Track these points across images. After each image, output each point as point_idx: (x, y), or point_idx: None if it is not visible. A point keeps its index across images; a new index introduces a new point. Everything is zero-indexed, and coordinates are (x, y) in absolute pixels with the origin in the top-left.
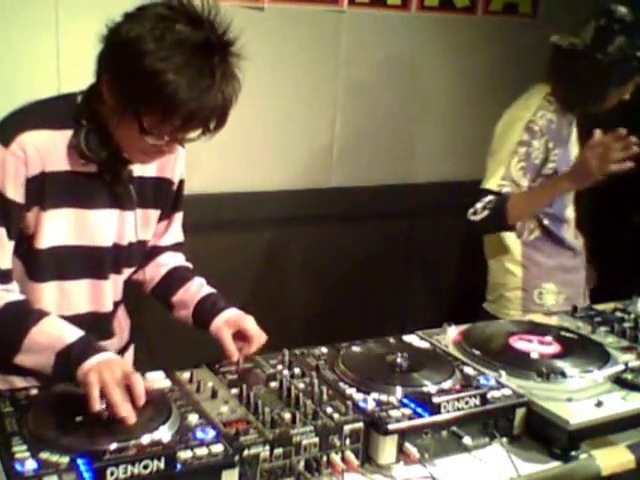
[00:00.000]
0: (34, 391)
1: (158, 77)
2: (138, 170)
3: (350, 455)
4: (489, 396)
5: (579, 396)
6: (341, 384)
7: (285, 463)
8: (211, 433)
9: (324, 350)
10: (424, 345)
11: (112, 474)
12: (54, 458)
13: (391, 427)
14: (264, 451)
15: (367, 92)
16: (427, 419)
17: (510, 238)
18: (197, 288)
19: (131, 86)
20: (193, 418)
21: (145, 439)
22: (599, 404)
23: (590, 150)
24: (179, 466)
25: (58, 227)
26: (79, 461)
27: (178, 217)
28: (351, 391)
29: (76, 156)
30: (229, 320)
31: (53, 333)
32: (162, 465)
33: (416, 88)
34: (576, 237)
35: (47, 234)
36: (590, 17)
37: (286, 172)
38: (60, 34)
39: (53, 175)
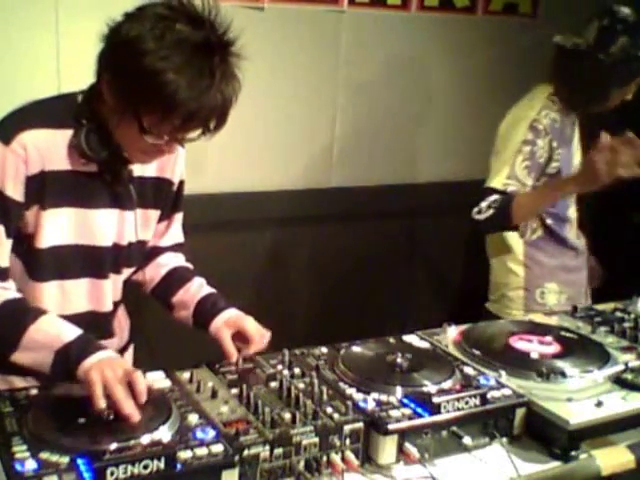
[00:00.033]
0: (34, 391)
1: (158, 76)
2: (138, 170)
3: (350, 455)
4: (489, 396)
5: (579, 396)
6: (341, 384)
7: (285, 463)
8: (211, 433)
9: (324, 350)
10: (424, 345)
11: (112, 474)
12: (54, 458)
13: (391, 427)
14: (264, 451)
15: (367, 92)
16: (427, 419)
17: (512, 238)
18: (197, 288)
19: (131, 85)
20: (193, 418)
21: (145, 439)
22: (599, 404)
23: (598, 153)
24: (179, 466)
25: (58, 226)
26: (79, 461)
27: (178, 218)
28: (351, 391)
29: (76, 155)
30: (229, 320)
31: (51, 331)
32: (162, 465)
33: (416, 88)
34: (578, 237)
35: (47, 233)
36: (593, 17)
37: (286, 172)
38: (60, 34)
39: (53, 174)
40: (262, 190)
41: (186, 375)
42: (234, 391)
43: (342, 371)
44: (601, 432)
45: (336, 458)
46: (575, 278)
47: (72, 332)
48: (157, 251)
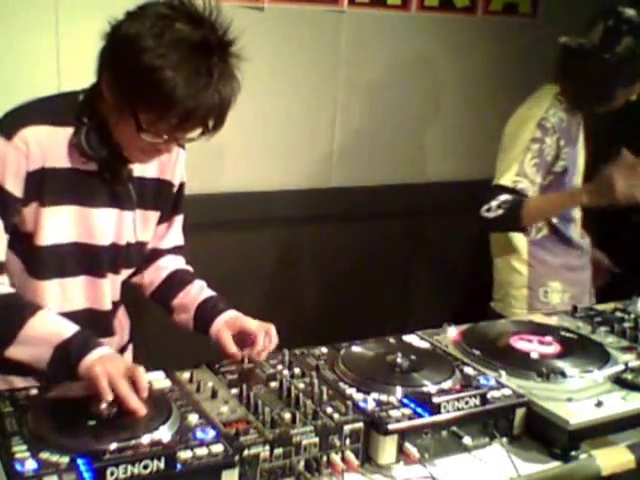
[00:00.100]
0: (34, 391)
1: (155, 73)
2: (138, 171)
3: (350, 455)
4: (489, 396)
5: (579, 396)
6: (341, 384)
7: (285, 463)
8: (211, 433)
9: (324, 350)
10: (424, 345)
11: (112, 474)
12: (54, 458)
13: (391, 427)
14: (264, 451)
15: (367, 92)
16: (427, 419)
17: (517, 237)
18: (198, 291)
19: (129, 82)
20: (193, 418)
21: (145, 439)
22: (599, 404)
23: (616, 168)
24: (179, 466)
25: (59, 224)
26: (79, 461)
27: (178, 220)
28: (351, 391)
29: (77, 154)
30: (229, 321)
31: (50, 327)
32: (162, 465)
33: (416, 88)
34: (582, 236)
35: (48, 231)
36: (598, 18)
37: (286, 172)
38: (60, 34)
39: (53, 171)
40: (262, 190)
41: (186, 375)
42: (234, 391)
43: (342, 371)
44: (601, 432)
45: (336, 458)
46: (579, 277)
47: (71, 328)
48: (157, 253)
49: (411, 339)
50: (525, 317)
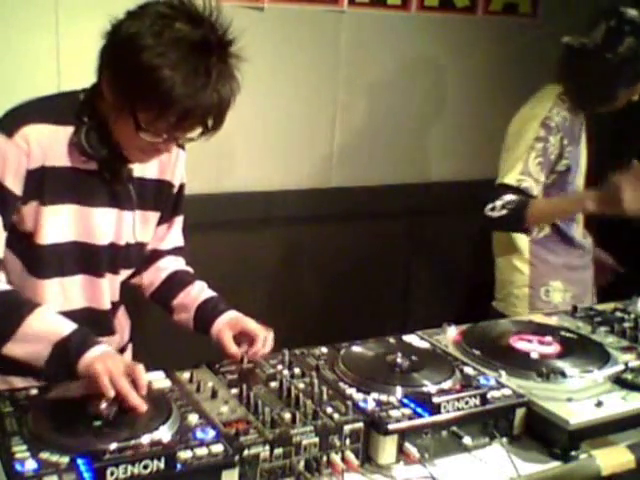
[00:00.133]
0: (34, 391)
1: (154, 72)
2: (139, 171)
3: (350, 455)
4: (489, 396)
5: (579, 396)
6: (341, 384)
7: (285, 463)
8: (211, 433)
9: (324, 350)
10: (424, 345)
11: (112, 474)
12: (54, 458)
13: (391, 427)
14: (264, 451)
15: (367, 92)
16: (427, 419)
17: (519, 236)
18: (198, 292)
19: (128, 81)
20: (193, 418)
21: (145, 439)
22: (599, 404)
23: (625, 179)
24: (179, 466)
25: (59, 223)
26: (79, 461)
27: (178, 221)
28: (351, 391)
29: (77, 153)
30: (230, 322)
31: (49, 324)
32: (162, 465)
33: (416, 88)
34: (585, 236)
35: (48, 230)
36: (600, 19)
37: (286, 172)
38: (60, 34)
39: (53, 170)
40: (262, 190)
41: (186, 375)
42: (234, 391)
43: (342, 371)
44: (601, 432)
45: (336, 458)
46: (580, 276)
47: (69, 326)
48: (157, 254)
49: (411, 339)
50: (525, 317)
